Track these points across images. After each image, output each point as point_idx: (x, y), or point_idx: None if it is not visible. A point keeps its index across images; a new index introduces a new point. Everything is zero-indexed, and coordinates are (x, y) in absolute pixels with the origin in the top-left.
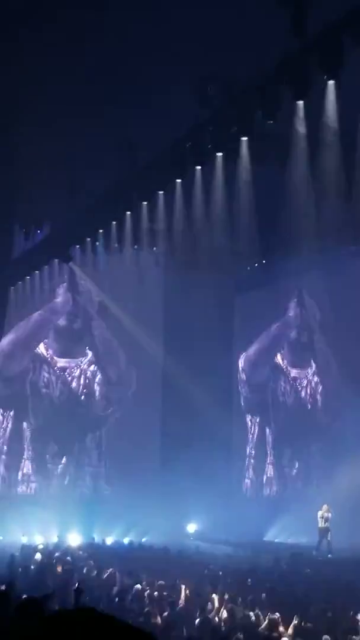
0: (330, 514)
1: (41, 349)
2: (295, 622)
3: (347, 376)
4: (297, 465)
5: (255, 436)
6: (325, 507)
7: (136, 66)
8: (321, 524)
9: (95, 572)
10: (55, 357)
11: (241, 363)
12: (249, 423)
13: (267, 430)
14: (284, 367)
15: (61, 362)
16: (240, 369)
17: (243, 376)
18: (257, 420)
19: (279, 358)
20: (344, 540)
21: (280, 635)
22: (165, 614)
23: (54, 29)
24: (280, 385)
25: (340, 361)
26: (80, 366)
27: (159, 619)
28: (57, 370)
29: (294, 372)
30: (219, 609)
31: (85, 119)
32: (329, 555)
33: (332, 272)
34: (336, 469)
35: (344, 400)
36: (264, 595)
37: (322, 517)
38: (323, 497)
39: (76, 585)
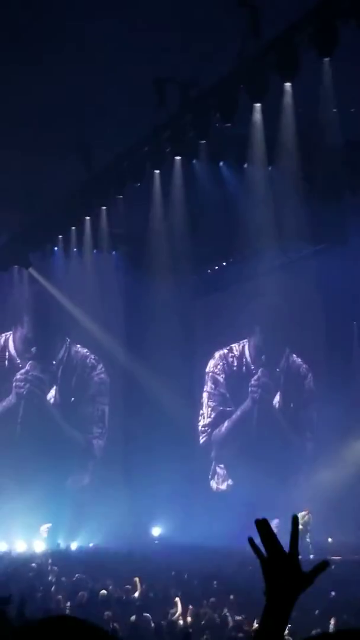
0: (308, 518)
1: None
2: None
3: (318, 373)
4: (266, 467)
5: (221, 434)
6: (304, 512)
7: (93, 70)
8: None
9: (61, 578)
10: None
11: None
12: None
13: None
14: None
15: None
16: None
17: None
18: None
19: (247, 354)
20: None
21: (246, 636)
22: (133, 618)
23: (9, 32)
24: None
25: (310, 360)
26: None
27: (123, 625)
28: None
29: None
30: (183, 612)
31: (41, 124)
32: (311, 557)
33: (291, 273)
34: (313, 467)
35: (318, 397)
36: (231, 597)
37: (302, 521)
38: (298, 499)
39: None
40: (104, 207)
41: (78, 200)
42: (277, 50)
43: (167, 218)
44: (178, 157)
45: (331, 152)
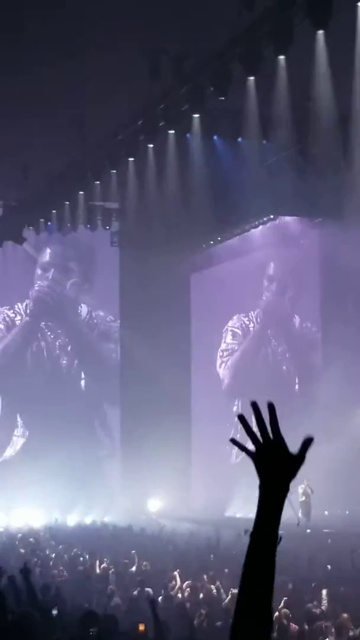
0: (310, 490)
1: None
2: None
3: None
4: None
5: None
6: (305, 481)
7: (86, 43)
8: (301, 498)
9: (58, 552)
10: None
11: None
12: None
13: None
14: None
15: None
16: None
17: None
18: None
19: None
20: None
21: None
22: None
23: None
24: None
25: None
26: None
27: (120, 599)
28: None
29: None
30: (181, 586)
31: (34, 98)
32: (308, 531)
33: (287, 245)
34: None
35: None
36: (226, 570)
37: (303, 492)
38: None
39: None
40: (98, 182)
41: (72, 175)
42: (271, 22)
43: (161, 193)
44: (172, 131)
45: (326, 126)
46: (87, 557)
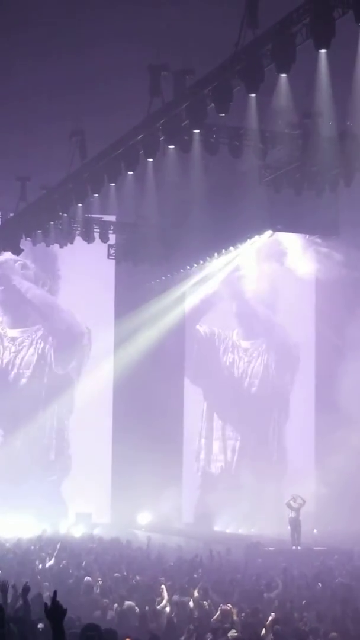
0: (299, 504)
1: None
2: (244, 613)
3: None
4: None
5: (207, 415)
6: (294, 496)
7: (87, 57)
8: (291, 514)
9: (49, 564)
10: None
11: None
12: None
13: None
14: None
15: (13, 333)
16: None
17: None
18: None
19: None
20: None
21: (232, 626)
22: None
23: (8, 17)
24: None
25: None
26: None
27: (109, 613)
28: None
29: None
30: (169, 600)
31: (36, 110)
32: (299, 548)
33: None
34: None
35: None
36: (214, 585)
37: (291, 507)
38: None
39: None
40: (96, 195)
41: (71, 187)
42: (274, 41)
43: (160, 207)
44: (172, 146)
45: (325, 144)
46: (77, 569)
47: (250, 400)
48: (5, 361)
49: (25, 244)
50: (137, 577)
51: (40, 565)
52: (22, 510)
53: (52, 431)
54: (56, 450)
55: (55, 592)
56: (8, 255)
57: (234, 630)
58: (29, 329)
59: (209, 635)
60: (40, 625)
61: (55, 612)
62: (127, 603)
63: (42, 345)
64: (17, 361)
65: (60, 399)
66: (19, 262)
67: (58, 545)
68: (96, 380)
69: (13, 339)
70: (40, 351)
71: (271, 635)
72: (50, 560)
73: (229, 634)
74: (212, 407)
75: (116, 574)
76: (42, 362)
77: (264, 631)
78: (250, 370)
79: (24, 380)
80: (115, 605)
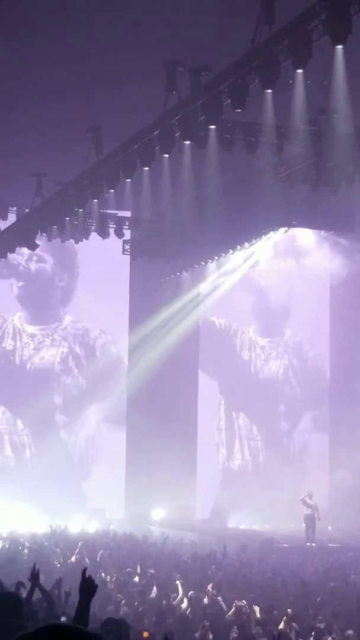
0: (315, 502)
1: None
2: (259, 609)
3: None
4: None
5: (223, 411)
6: (309, 492)
7: (104, 53)
8: (306, 510)
9: (62, 559)
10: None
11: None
12: (220, 398)
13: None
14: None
15: (32, 329)
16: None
17: None
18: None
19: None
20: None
21: (247, 622)
22: (136, 603)
23: (19, 18)
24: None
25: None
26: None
27: (122, 609)
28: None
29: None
30: (183, 597)
31: (52, 106)
32: (313, 545)
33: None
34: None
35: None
36: (229, 581)
37: (307, 504)
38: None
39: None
40: (112, 190)
41: (87, 183)
42: (290, 37)
43: (175, 203)
44: (187, 142)
45: (341, 140)
46: (92, 565)
47: (265, 397)
48: (24, 358)
49: (42, 238)
50: (152, 571)
51: (58, 564)
52: (36, 506)
53: (71, 428)
54: (76, 450)
55: (85, 569)
56: (27, 249)
57: (258, 627)
58: (48, 326)
59: (235, 631)
60: (62, 619)
61: (87, 584)
62: (143, 599)
63: (60, 344)
64: (36, 360)
65: (77, 397)
66: (37, 256)
67: (80, 544)
68: (111, 376)
69: (32, 336)
70: (59, 351)
71: (293, 631)
72: (71, 557)
73: (254, 631)
74: (228, 403)
75: (129, 569)
76: (61, 362)
77: (282, 625)
78: (266, 366)
79: (42, 379)
80: (135, 602)
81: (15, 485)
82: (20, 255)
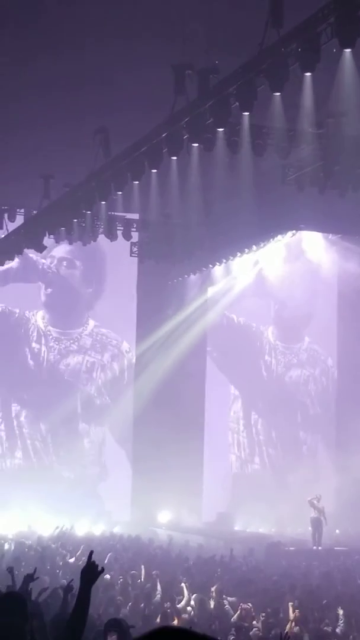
0: (323, 505)
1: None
2: (265, 612)
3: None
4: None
5: (235, 412)
6: (317, 495)
7: (112, 56)
8: (313, 513)
9: (69, 560)
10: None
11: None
12: (232, 397)
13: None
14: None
15: (57, 334)
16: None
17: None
18: (240, 396)
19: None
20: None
21: (252, 625)
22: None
23: (27, 23)
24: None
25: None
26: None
27: (122, 610)
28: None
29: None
30: (189, 600)
31: (59, 108)
32: (319, 548)
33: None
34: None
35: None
36: (236, 585)
37: (314, 506)
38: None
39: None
40: (120, 193)
41: (94, 185)
42: (298, 40)
43: (183, 205)
44: (195, 145)
45: (349, 143)
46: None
47: (271, 401)
48: (50, 363)
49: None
50: (157, 572)
51: (61, 563)
52: (42, 508)
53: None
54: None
55: (91, 552)
56: (57, 253)
57: (257, 629)
58: (74, 331)
59: (232, 633)
60: None
61: (89, 570)
62: (149, 602)
63: (85, 352)
64: (62, 367)
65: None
66: (66, 260)
67: (82, 547)
68: (119, 378)
69: (58, 340)
70: (85, 359)
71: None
72: (70, 558)
73: (251, 633)
74: (245, 404)
75: (133, 572)
76: (87, 371)
77: (287, 628)
78: (275, 370)
79: (67, 387)
80: (141, 604)
81: (29, 488)
82: (50, 259)
